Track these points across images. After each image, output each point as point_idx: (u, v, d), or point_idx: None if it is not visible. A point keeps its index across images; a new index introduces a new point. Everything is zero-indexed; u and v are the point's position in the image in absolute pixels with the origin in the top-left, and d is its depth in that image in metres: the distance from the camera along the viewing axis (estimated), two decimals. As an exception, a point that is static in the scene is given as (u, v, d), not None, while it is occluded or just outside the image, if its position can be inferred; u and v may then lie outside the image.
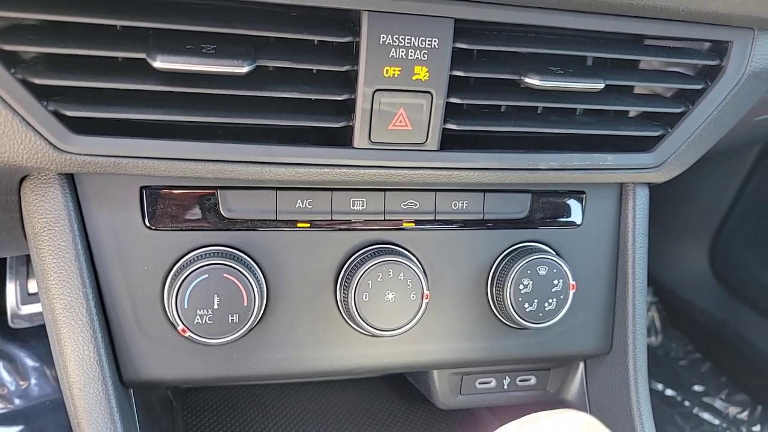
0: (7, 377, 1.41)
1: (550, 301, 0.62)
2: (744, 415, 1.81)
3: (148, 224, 0.54)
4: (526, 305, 0.61)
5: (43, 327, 1.50)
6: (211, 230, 0.55)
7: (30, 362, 1.44)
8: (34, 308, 1.35)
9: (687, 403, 1.85)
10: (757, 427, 1.77)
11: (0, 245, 0.69)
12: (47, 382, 1.45)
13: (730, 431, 1.78)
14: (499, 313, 0.63)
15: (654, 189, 1.94)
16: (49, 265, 0.52)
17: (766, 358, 1.75)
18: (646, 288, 0.68)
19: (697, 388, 1.89)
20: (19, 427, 1.36)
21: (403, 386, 0.88)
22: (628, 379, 0.66)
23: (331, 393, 0.87)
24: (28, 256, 1.39)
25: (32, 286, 1.34)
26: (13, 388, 1.40)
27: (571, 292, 0.63)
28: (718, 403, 1.85)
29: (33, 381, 1.43)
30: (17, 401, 1.40)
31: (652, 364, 2.06)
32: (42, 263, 0.52)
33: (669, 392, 1.87)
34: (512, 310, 0.61)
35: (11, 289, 1.34)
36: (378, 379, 0.88)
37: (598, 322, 0.67)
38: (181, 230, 0.55)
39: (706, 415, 1.82)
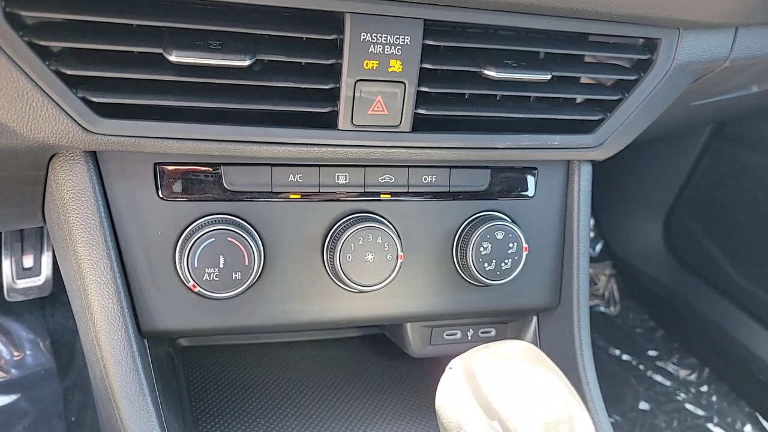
0: (3, 348, 1.47)
1: (506, 261, 0.72)
2: (693, 377, 1.95)
3: (161, 195, 0.63)
4: (486, 265, 0.71)
5: (35, 301, 1.57)
6: (215, 201, 0.64)
7: (24, 334, 1.51)
8: (29, 282, 1.42)
9: (641, 367, 1.98)
10: (705, 387, 1.92)
11: (17, 217, 0.77)
12: (41, 353, 1.52)
13: (680, 391, 1.92)
14: (462, 272, 0.73)
15: (614, 168, 2.10)
16: (77, 230, 0.60)
17: (713, 325, 1.88)
18: (588, 251, 0.79)
19: (651, 353, 2.02)
20: (17, 395, 1.43)
21: (382, 344, 0.98)
22: (573, 330, 0.77)
23: (319, 351, 0.97)
24: (21, 232, 1.45)
25: (27, 261, 1.41)
26: (8, 358, 1.47)
27: (525, 253, 0.73)
28: (670, 367, 1.99)
29: (28, 352, 1.50)
30: (13, 371, 1.47)
31: (611, 332, 2.21)
32: (70, 229, 0.60)
33: (625, 357, 2.00)
34: (474, 269, 0.71)
35: (7, 264, 1.41)
36: (360, 338, 0.99)
37: (547, 280, 0.77)
38: (190, 201, 0.64)
39: (658, 377, 1.95)
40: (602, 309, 2.15)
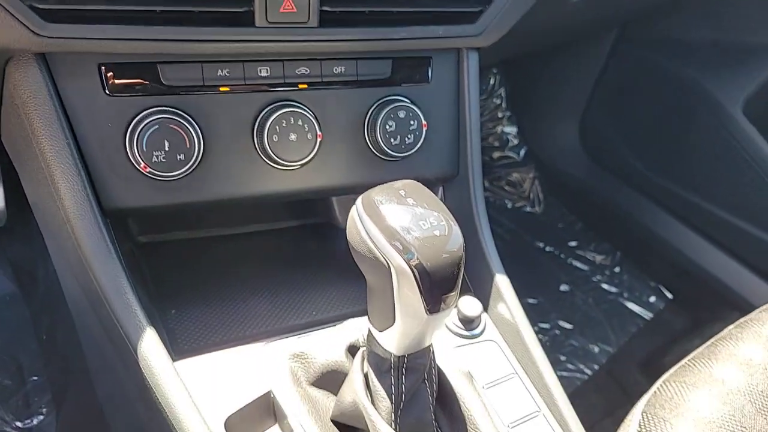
0: (-35, 276, 1.55)
1: (409, 136, 0.86)
2: (607, 261, 2.18)
3: (107, 92, 0.74)
4: (392, 140, 0.85)
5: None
6: (156, 95, 0.75)
7: (-15, 261, 1.59)
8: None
9: (562, 256, 2.20)
10: (617, 269, 2.16)
11: None
12: (3, 281, 1.61)
13: (596, 273, 2.15)
14: (374, 148, 0.87)
15: (535, 77, 2.25)
16: (38, 125, 0.71)
17: (624, 213, 2.09)
18: (479, 127, 0.93)
19: (571, 243, 2.24)
20: (-19, 321, 1.53)
21: (318, 233, 1.12)
22: (470, 194, 0.93)
23: (266, 239, 1.10)
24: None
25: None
26: (-30, 284, 1.55)
27: (425, 129, 0.87)
28: (588, 254, 2.21)
29: (-10, 278, 1.58)
30: (-25, 298, 1.55)
31: (536, 230, 2.42)
32: (31, 125, 0.71)
33: (548, 248, 2.21)
34: (382, 144, 0.85)
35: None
36: (299, 227, 1.12)
37: (446, 153, 0.92)
38: (133, 96, 0.75)
39: (577, 264, 2.18)
40: (528, 209, 2.35)
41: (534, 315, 1.98)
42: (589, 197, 2.21)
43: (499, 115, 2.32)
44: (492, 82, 2.29)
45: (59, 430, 1.43)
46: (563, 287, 2.09)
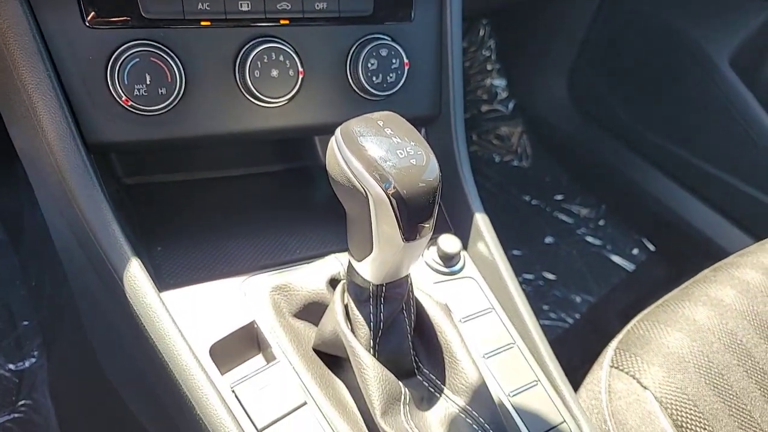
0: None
1: (391, 75, 0.87)
2: (592, 214, 2.22)
3: (87, 24, 0.73)
4: (374, 78, 0.86)
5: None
6: (136, 28, 0.75)
7: (-27, 208, 1.60)
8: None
9: (548, 209, 2.23)
10: (602, 222, 2.19)
11: None
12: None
13: (581, 226, 2.19)
14: (356, 86, 0.87)
15: (525, 30, 2.25)
16: (18, 56, 0.71)
17: (609, 166, 2.11)
18: (462, 67, 0.94)
19: (557, 197, 2.27)
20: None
21: (303, 177, 1.13)
22: (451, 135, 0.94)
23: (251, 182, 1.11)
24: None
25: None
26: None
27: (406, 68, 0.88)
28: (573, 208, 2.24)
29: (-23, 225, 1.59)
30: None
31: (523, 184, 2.44)
32: (12, 56, 0.71)
33: (534, 202, 2.24)
34: (364, 82, 0.86)
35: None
36: (284, 171, 1.13)
37: (429, 91, 0.93)
38: (114, 28, 0.74)
39: (563, 216, 2.21)
40: (516, 163, 2.36)
41: (519, 266, 2.02)
42: (576, 151, 2.23)
43: (489, 67, 2.31)
44: (481, 33, 2.28)
45: (51, 371, 1.46)
46: (548, 239, 2.13)
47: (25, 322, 1.53)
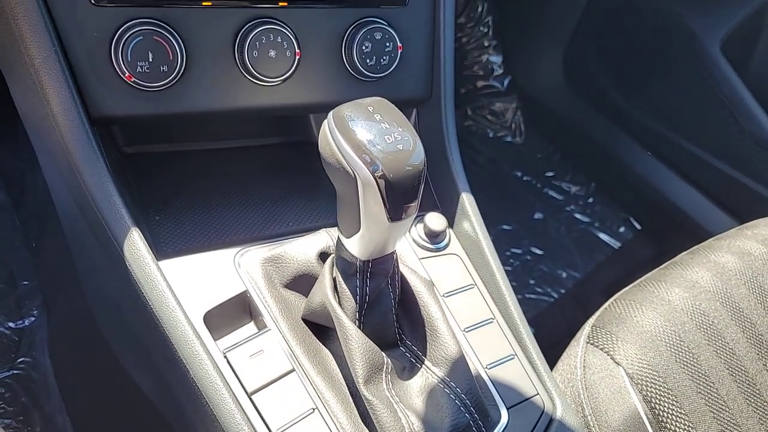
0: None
1: (384, 58, 0.90)
2: (582, 192, 2.26)
3: (93, 2, 0.76)
4: (368, 60, 0.89)
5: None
6: (140, 6, 0.78)
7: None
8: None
9: (539, 185, 2.26)
10: (591, 199, 2.23)
11: None
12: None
13: (570, 203, 2.23)
14: (350, 68, 0.90)
15: (518, 3, 2.27)
16: (26, 32, 0.73)
17: (599, 145, 2.14)
18: (453, 51, 0.97)
19: (548, 174, 2.30)
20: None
21: (298, 150, 1.17)
22: (441, 117, 0.97)
23: (243, 156, 1.14)
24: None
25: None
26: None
27: (399, 51, 0.91)
28: (563, 185, 2.28)
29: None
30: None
31: (515, 160, 2.47)
32: (19, 30, 0.74)
33: (525, 177, 2.27)
34: (358, 64, 0.89)
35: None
36: (280, 144, 1.17)
37: (420, 75, 0.96)
38: (118, 6, 0.77)
39: (552, 193, 2.25)
40: (509, 139, 2.39)
41: (507, 240, 2.07)
42: (568, 129, 2.25)
43: (486, 43, 2.32)
44: (480, 9, 2.28)
45: (50, 331, 1.51)
46: (537, 215, 2.17)
47: (25, 282, 1.57)
